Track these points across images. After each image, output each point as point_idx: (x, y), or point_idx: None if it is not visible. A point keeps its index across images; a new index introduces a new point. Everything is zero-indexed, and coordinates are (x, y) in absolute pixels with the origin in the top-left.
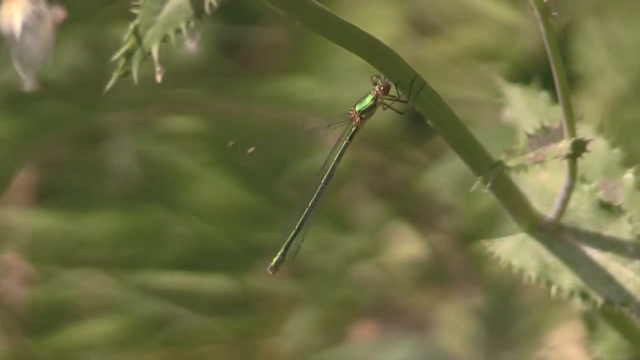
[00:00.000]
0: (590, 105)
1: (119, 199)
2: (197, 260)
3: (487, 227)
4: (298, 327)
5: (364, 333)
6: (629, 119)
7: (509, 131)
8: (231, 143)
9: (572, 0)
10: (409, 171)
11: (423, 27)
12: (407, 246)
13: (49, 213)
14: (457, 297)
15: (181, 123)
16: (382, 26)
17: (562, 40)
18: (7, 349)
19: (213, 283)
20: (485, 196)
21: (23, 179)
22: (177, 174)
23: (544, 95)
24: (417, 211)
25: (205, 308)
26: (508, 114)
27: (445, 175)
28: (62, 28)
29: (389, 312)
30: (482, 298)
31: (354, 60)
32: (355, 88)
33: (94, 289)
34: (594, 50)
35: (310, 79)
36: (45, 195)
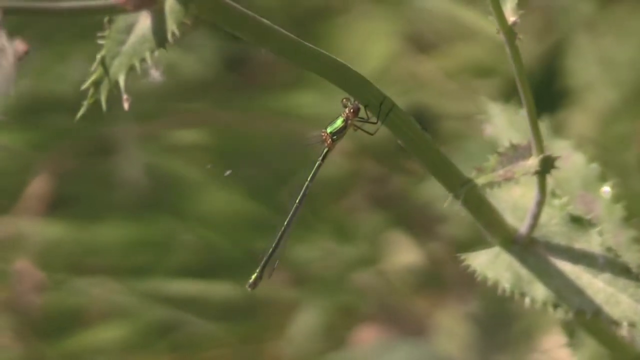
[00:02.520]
0: (581, 119)
1: (128, 209)
2: (203, 268)
3: (482, 236)
4: (300, 332)
5: (364, 337)
6: (619, 132)
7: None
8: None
9: (565, 16)
10: (407, 182)
11: (420, 44)
12: (405, 254)
13: (60, 222)
14: (453, 303)
15: (188, 136)
16: (381, 43)
17: (555, 56)
18: (20, 352)
19: (218, 290)
20: None
21: (35, 189)
22: (183, 185)
23: (524, 112)
24: (414, 220)
25: (211, 314)
26: (488, 130)
27: (441, 186)
28: (73, 44)
29: (388, 317)
30: (477, 304)
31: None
32: None
33: (104, 296)
34: (586, 66)
35: (311, 93)
36: (57, 205)
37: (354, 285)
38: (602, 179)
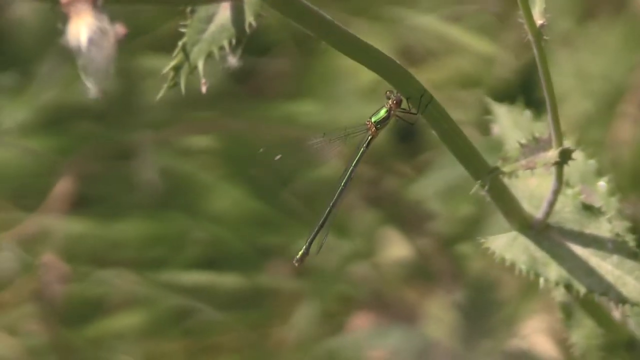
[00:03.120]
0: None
1: (145, 208)
2: (213, 260)
3: (467, 231)
4: (302, 319)
5: (359, 324)
6: (593, 138)
7: (485, 147)
8: (261, 150)
9: (544, 32)
10: (399, 183)
11: (410, 58)
12: (396, 248)
13: (83, 219)
14: (441, 292)
15: (199, 141)
16: None
17: (533, 68)
18: (46, 338)
19: (227, 281)
20: (465, 204)
21: (60, 189)
22: (195, 186)
23: (528, 113)
24: (405, 218)
25: (221, 303)
26: (496, 129)
27: (430, 186)
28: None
29: (382, 305)
30: (463, 293)
31: (350, 86)
32: (351, 111)
33: (123, 286)
34: (563, 77)
35: (312, 103)
36: (80, 204)
37: (350, 277)
38: (599, 174)
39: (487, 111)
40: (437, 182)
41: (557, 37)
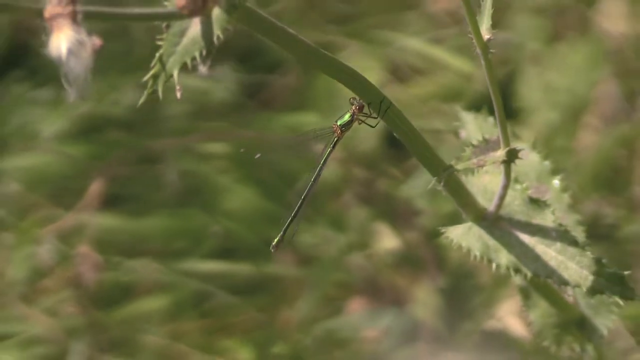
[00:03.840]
0: (527, 134)
1: (168, 205)
2: (228, 251)
3: (449, 225)
4: (305, 303)
5: (355, 307)
6: (558, 145)
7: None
8: (242, 149)
9: (517, 52)
10: (389, 184)
11: (399, 75)
12: (387, 240)
13: (114, 216)
14: (426, 279)
15: (215, 148)
16: (369, 74)
17: (507, 83)
18: (81, 319)
19: (240, 269)
20: (447, 201)
21: (94, 189)
22: (212, 187)
23: (491, 120)
24: (395, 214)
25: (234, 288)
26: (463, 134)
27: (416, 187)
28: (125, 76)
29: (375, 291)
30: (445, 280)
31: (347, 99)
32: None
33: (149, 274)
34: (532, 91)
35: (313, 114)
36: (111, 203)
37: (347, 266)
38: (553, 173)
39: (457, 119)
40: (423, 184)
41: (528, 56)
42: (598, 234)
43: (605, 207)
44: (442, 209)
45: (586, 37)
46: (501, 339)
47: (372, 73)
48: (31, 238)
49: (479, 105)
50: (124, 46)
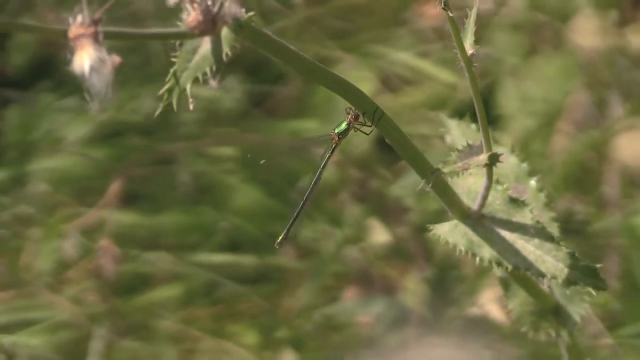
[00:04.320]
0: (506, 140)
1: (181, 203)
2: (236, 245)
3: (435, 221)
4: (305, 292)
5: (350, 295)
6: (534, 149)
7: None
8: (249, 154)
9: (495, 65)
10: (381, 184)
11: (390, 86)
12: (379, 235)
13: (132, 213)
14: (414, 270)
15: (224, 151)
16: (364, 85)
17: (488, 93)
18: (103, 307)
19: (246, 261)
20: (433, 200)
21: (114, 189)
22: (221, 186)
23: (473, 126)
24: (386, 211)
25: (242, 278)
26: (448, 139)
27: (406, 187)
28: (142, 86)
29: (368, 281)
30: (432, 271)
31: (343, 107)
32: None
33: (164, 266)
34: (510, 101)
35: (313, 120)
36: (130, 201)
37: (343, 258)
38: (530, 174)
39: (443, 125)
40: (411, 184)
41: (507, 69)
42: (570, 229)
43: (577, 205)
44: (428, 206)
45: (560, 51)
46: (482, 325)
47: (366, 83)
48: (57, 233)
49: (462, 112)
50: (142, 59)
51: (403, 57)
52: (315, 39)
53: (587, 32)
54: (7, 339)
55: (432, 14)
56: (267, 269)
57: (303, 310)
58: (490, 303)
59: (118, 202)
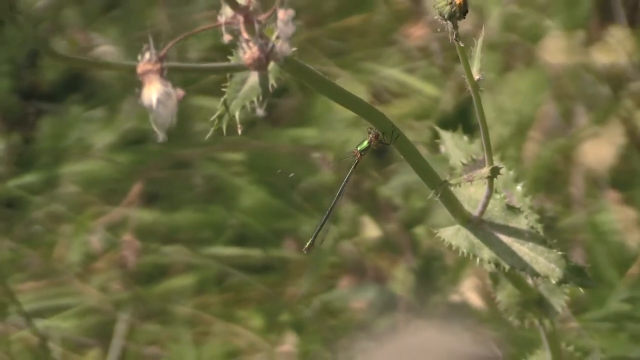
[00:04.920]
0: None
1: (195, 203)
2: (243, 240)
3: (420, 218)
4: (305, 280)
5: (345, 284)
6: (508, 154)
7: (432, 160)
8: (279, 171)
9: (480, 84)
10: (373, 185)
11: (380, 98)
12: (371, 230)
13: (152, 211)
14: (402, 261)
15: (234, 156)
16: None
17: (468, 105)
18: (126, 294)
19: (253, 254)
20: (418, 199)
21: (136, 190)
22: (231, 187)
23: (465, 138)
24: (377, 209)
25: (248, 269)
26: (443, 149)
27: (394, 188)
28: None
29: (361, 271)
30: (418, 262)
31: (340, 118)
32: (340, 135)
33: (180, 257)
34: (487, 113)
35: (313, 129)
36: (150, 200)
37: (339, 251)
38: (516, 181)
39: (436, 136)
40: (400, 185)
41: (484, 84)
42: (542, 225)
43: (547, 204)
44: (415, 205)
45: (531, 68)
46: (462, 310)
47: (360, 96)
48: (85, 229)
49: (445, 122)
50: None
51: (392, 73)
52: (315, 57)
53: (556, 50)
54: (41, 323)
55: (418, 35)
56: (271, 261)
57: (303, 297)
58: (469, 291)
59: (139, 201)
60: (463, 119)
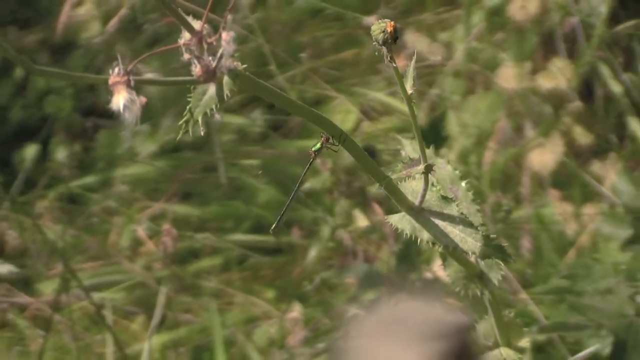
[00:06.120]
0: (451, 155)
1: (221, 199)
2: (258, 229)
3: (393, 210)
4: (310, 261)
5: (340, 264)
6: (471, 161)
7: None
8: (259, 172)
9: (443, 101)
10: (363, 185)
11: (369, 116)
12: (361, 221)
13: (185, 206)
14: (386, 246)
15: (251, 162)
16: (350, 116)
17: (438, 121)
18: (165, 272)
19: (267, 240)
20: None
21: (173, 189)
22: (249, 187)
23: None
24: (367, 204)
25: (263, 252)
26: (403, 153)
27: (381, 187)
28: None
29: (353, 254)
30: (399, 247)
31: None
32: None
33: (209, 243)
34: (453, 127)
35: (316, 139)
36: (184, 197)
37: (335, 238)
38: (461, 178)
39: (399, 143)
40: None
41: (451, 104)
42: (498, 217)
43: (502, 199)
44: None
45: (489, 92)
46: (435, 285)
47: (352, 115)
48: (133, 220)
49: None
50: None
51: (378, 96)
52: (316, 83)
53: (509, 77)
54: (97, 296)
55: (399, 65)
56: (281, 245)
57: (307, 275)
58: (440, 269)
59: (176, 198)
60: (435, 131)
